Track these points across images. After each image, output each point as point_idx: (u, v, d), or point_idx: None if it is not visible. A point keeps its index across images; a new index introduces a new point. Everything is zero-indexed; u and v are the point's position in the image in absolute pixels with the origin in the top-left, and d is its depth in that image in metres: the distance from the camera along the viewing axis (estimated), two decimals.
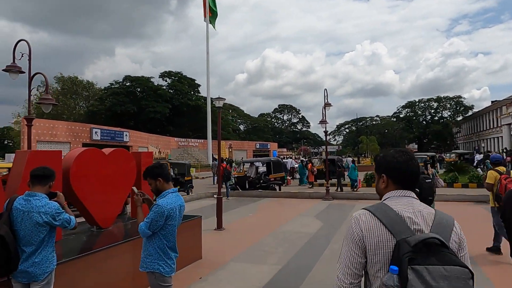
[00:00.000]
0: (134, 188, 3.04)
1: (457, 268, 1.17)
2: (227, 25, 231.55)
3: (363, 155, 56.94)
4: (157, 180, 2.90)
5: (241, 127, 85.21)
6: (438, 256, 1.19)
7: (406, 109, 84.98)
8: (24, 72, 7.90)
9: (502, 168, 5.61)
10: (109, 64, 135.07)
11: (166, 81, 47.95)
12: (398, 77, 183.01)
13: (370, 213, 1.36)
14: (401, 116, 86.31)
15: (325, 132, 13.64)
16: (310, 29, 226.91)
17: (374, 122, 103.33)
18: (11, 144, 50.88)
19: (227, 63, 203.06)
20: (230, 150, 53.82)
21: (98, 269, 3.97)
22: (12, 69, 7.77)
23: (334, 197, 13.49)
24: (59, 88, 44.55)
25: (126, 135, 31.18)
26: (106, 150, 5.20)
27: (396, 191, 1.41)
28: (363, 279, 1.37)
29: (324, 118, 13.31)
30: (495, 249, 5.73)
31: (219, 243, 7.07)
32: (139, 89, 43.59)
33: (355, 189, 15.69)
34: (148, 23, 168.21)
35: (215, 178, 21.60)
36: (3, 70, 7.80)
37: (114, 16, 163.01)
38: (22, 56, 7.87)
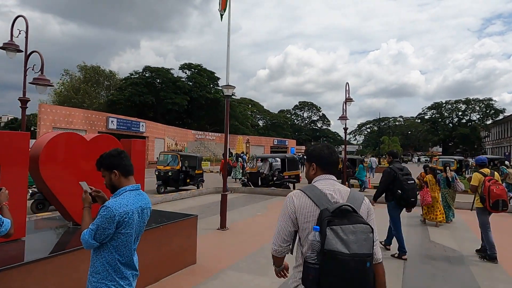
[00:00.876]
0: (83, 183, 2.34)
1: (361, 225, 1.60)
2: (250, 21, 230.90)
3: (384, 156, 55.09)
4: (112, 172, 2.18)
5: (260, 122, 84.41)
6: (349, 218, 1.61)
7: (432, 111, 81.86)
8: (21, 51, 7.41)
9: (486, 170, 5.73)
10: (134, 57, 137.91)
11: (185, 73, 47.69)
12: (424, 78, 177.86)
13: (302, 192, 1.78)
14: (426, 117, 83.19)
15: (345, 129, 12.70)
16: (335, 26, 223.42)
17: (397, 123, 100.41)
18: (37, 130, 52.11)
19: (249, 58, 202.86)
20: (248, 145, 53.27)
21: (66, 274, 3.32)
22: (9, 47, 7.30)
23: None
24: (82, 77, 45.10)
25: (142, 125, 30.99)
26: (88, 136, 4.57)
27: (322, 175, 1.86)
28: (295, 247, 1.85)
29: (345, 114, 12.37)
30: (491, 258, 5.55)
31: (218, 246, 6.37)
32: (158, 80, 43.47)
33: (362, 190, 15.08)
34: (173, 17, 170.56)
35: (233, 172, 21.22)
36: (0, 48, 7.35)
37: (140, 9, 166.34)
38: (19, 33, 7.39)
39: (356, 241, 1.55)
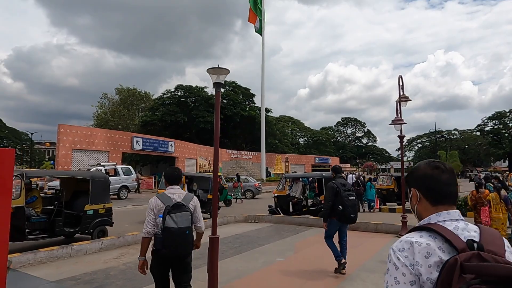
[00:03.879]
0: None
1: (185, 212, 3.14)
2: (291, 41, 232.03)
3: None
4: None
5: (301, 140, 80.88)
6: (180, 209, 3.13)
7: (493, 121, 73.31)
8: None
9: None
10: (181, 83, 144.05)
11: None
12: (477, 89, 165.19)
13: (156, 197, 3.28)
14: (487, 129, 74.66)
15: (400, 137, 9.44)
16: (378, 41, 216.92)
17: (452, 137, 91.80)
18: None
19: (290, 78, 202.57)
20: (287, 164, 50.11)
21: None
22: None
23: None
24: (118, 99, 45.34)
25: (171, 145, 29.21)
26: None
27: (169, 186, 3.41)
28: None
29: (399, 115, 9.17)
30: None
31: None
32: (190, 99, 42.12)
33: (371, 210, 14.65)
34: (216, 44, 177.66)
35: (233, 194, 18.80)
36: None
37: (186, 39, 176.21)
38: None
39: (181, 221, 3.09)
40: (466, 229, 1.12)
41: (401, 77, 9.71)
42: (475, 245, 1.02)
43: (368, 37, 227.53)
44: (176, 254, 3.13)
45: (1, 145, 67.41)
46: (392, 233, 9.33)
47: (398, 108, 9.33)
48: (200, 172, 32.45)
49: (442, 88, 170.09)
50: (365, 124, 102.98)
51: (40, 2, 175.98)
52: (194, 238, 3.43)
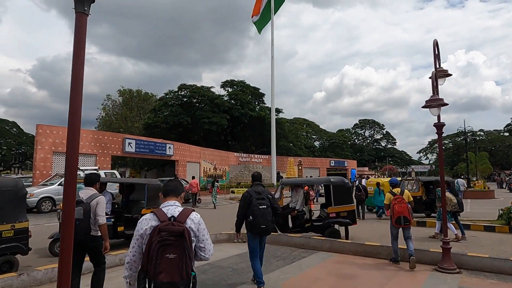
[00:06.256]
0: None
1: (79, 207, 3.99)
2: (307, 45, 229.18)
3: (463, 176, 43.97)
4: None
5: (316, 143, 77.54)
6: (78, 204, 3.98)
7: None
8: None
9: (397, 190, 6.60)
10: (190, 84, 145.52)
11: (227, 91, 43.73)
12: (500, 89, 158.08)
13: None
14: None
15: (438, 126, 6.60)
16: (395, 42, 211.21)
17: (477, 138, 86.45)
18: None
19: (306, 81, 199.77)
20: (300, 167, 47.19)
21: None
22: None
23: (461, 264, 6.25)
24: (121, 101, 43.58)
25: (169, 148, 26.78)
26: None
27: (84, 188, 4.32)
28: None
29: (436, 94, 6.35)
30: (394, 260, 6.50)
31: None
32: (195, 99, 39.73)
33: (379, 218, 13.62)
34: (231, 49, 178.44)
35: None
36: None
37: (201, 45, 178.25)
38: None
39: (78, 214, 3.83)
40: (174, 210, 2.28)
41: (437, 42, 6.90)
42: (172, 218, 2.20)
43: (385, 38, 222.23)
44: None
45: (20, 150, 68.16)
46: (428, 264, 6.47)
47: (434, 85, 6.51)
48: (202, 177, 29.99)
49: (463, 89, 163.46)
50: (384, 126, 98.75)
51: (62, 14, 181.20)
52: None
